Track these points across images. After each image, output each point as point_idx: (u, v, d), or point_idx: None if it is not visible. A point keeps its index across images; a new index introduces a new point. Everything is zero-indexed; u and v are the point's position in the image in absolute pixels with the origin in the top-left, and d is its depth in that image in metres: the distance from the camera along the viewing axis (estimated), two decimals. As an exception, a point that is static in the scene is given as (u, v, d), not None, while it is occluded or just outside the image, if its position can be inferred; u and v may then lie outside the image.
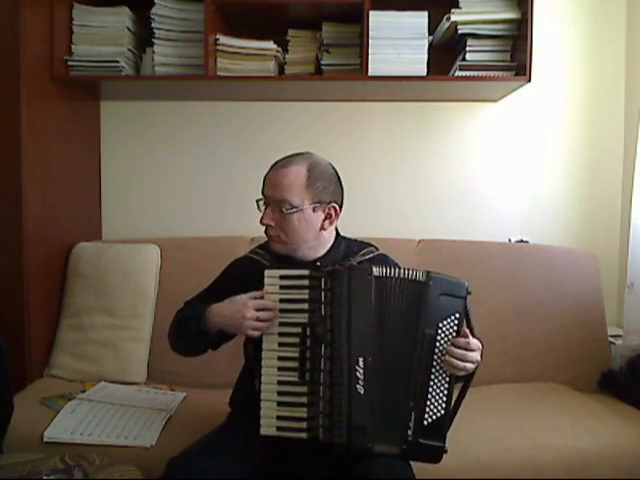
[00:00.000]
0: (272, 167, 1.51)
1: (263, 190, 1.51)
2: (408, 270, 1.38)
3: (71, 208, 2.27)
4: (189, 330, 1.49)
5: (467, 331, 1.36)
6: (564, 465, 1.63)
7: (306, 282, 1.38)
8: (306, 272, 1.39)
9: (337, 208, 1.51)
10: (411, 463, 1.39)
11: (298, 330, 1.38)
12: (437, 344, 1.35)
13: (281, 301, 1.40)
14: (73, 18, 2.15)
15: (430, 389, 1.35)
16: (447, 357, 1.34)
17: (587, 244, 2.42)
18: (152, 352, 2.13)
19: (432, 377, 1.35)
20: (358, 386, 1.33)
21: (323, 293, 1.36)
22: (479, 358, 1.37)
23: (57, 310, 2.18)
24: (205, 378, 2.01)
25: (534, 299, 2.17)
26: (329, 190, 1.49)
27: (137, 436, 1.66)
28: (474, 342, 1.36)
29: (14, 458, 1.42)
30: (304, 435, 1.35)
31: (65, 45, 2.14)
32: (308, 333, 1.37)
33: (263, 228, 1.52)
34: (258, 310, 1.39)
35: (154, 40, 2.14)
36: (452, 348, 1.35)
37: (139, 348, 2.12)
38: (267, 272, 1.41)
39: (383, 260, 1.54)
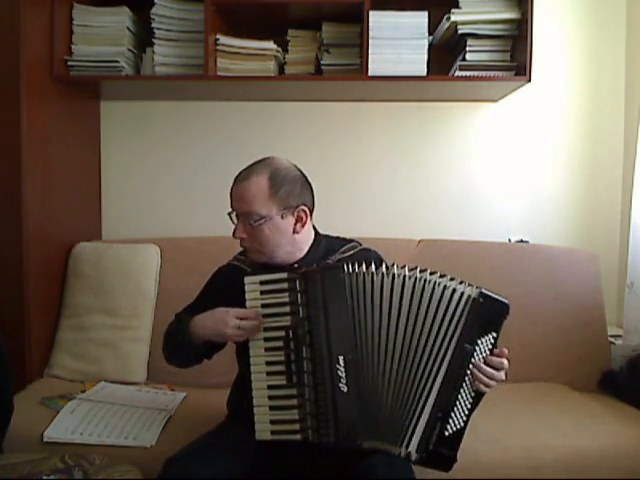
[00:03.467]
0: (235, 180, 1.49)
1: (232, 204, 1.49)
2: (459, 282, 1.36)
3: (71, 208, 2.27)
4: (177, 344, 1.52)
5: (505, 351, 1.38)
6: (564, 465, 1.63)
7: (285, 285, 1.38)
8: (284, 275, 1.39)
9: (307, 210, 1.48)
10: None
11: (282, 334, 1.38)
12: (472, 360, 1.35)
13: (263, 306, 1.40)
14: (73, 18, 2.15)
15: (457, 401, 1.35)
16: (479, 374, 1.35)
17: (587, 244, 2.42)
18: (152, 352, 2.12)
19: (461, 390, 1.35)
20: (341, 384, 1.34)
21: (299, 295, 1.37)
22: (504, 377, 1.38)
23: (57, 310, 2.18)
24: (205, 378, 2.00)
25: (534, 299, 2.17)
26: (295, 194, 1.46)
27: (137, 436, 1.66)
28: (504, 362, 1.38)
29: (14, 458, 1.42)
30: (298, 437, 1.36)
31: (65, 45, 2.14)
32: (291, 336, 1.37)
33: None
34: (240, 319, 1.39)
35: (154, 40, 2.15)
36: (484, 367, 1.35)
37: (139, 348, 2.12)
38: (247, 279, 1.41)
39: (365, 255, 1.52)
